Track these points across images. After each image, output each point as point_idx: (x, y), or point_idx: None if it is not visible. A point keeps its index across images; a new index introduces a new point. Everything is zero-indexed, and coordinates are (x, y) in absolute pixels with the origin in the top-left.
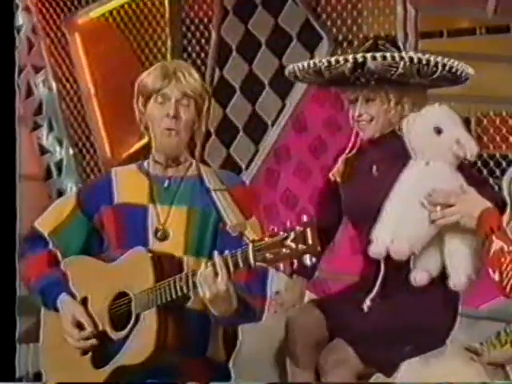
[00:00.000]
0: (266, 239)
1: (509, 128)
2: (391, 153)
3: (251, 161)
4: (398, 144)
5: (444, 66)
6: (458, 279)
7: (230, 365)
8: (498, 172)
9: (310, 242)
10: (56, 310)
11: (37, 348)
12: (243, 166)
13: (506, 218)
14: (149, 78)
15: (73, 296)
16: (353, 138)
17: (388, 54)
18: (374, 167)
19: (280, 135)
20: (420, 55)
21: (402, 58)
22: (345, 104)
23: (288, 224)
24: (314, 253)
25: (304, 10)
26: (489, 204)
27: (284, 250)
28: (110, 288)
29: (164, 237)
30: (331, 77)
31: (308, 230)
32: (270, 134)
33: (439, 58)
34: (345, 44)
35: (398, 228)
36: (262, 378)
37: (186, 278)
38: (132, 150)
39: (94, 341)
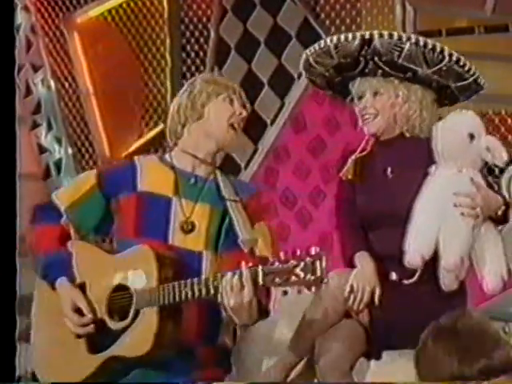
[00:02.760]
0: (276, 264)
1: (508, 127)
2: (405, 156)
3: (250, 160)
4: (411, 147)
5: (451, 55)
6: (493, 282)
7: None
8: (496, 171)
9: (318, 273)
10: (53, 287)
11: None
12: (242, 166)
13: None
14: (218, 78)
15: (73, 278)
16: (365, 139)
17: (395, 33)
18: (389, 170)
19: (279, 134)
20: (426, 39)
21: (408, 39)
22: (354, 101)
23: (298, 253)
24: (320, 283)
25: (303, 9)
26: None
27: (293, 277)
28: (110, 279)
29: (190, 229)
30: (339, 59)
31: (317, 263)
32: (269, 133)
33: (446, 47)
34: None
35: (444, 239)
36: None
37: (206, 282)
38: (131, 149)
39: (92, 327)
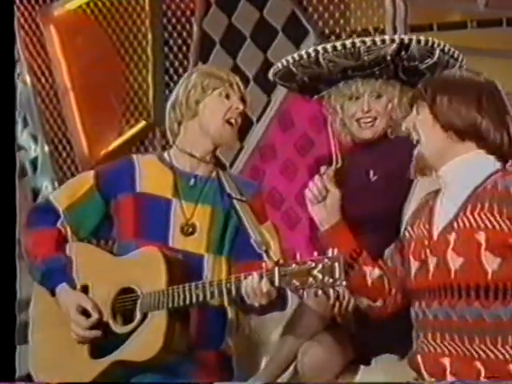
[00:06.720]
0: (293, 266)
1: None
2: (390, 157)
3: (235, 159)
4: (395, 148)
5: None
6: None
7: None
8: None
9: (336, 275)
10: (52, 294)
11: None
12: (227, 164)
13: None
14: (215, 70)
15: (72, 283)
16: (334, 149)
17: (430, 39)
18: (371, 172)
19: (265, 132)
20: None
21: (438, 45)
22: (336, 101)
23: (315, 254)
24: (338, 286)
25: (290, 2)
26: None
27: (311, 279)
28: (115, 281)
29: (191, 232)
30: (363, 61)
31: (336, 265)
32: (254, 130)
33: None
34: (332, 38)
35: None
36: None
37: (219, 284)
38: (111, 147)
39: (99, 332)
